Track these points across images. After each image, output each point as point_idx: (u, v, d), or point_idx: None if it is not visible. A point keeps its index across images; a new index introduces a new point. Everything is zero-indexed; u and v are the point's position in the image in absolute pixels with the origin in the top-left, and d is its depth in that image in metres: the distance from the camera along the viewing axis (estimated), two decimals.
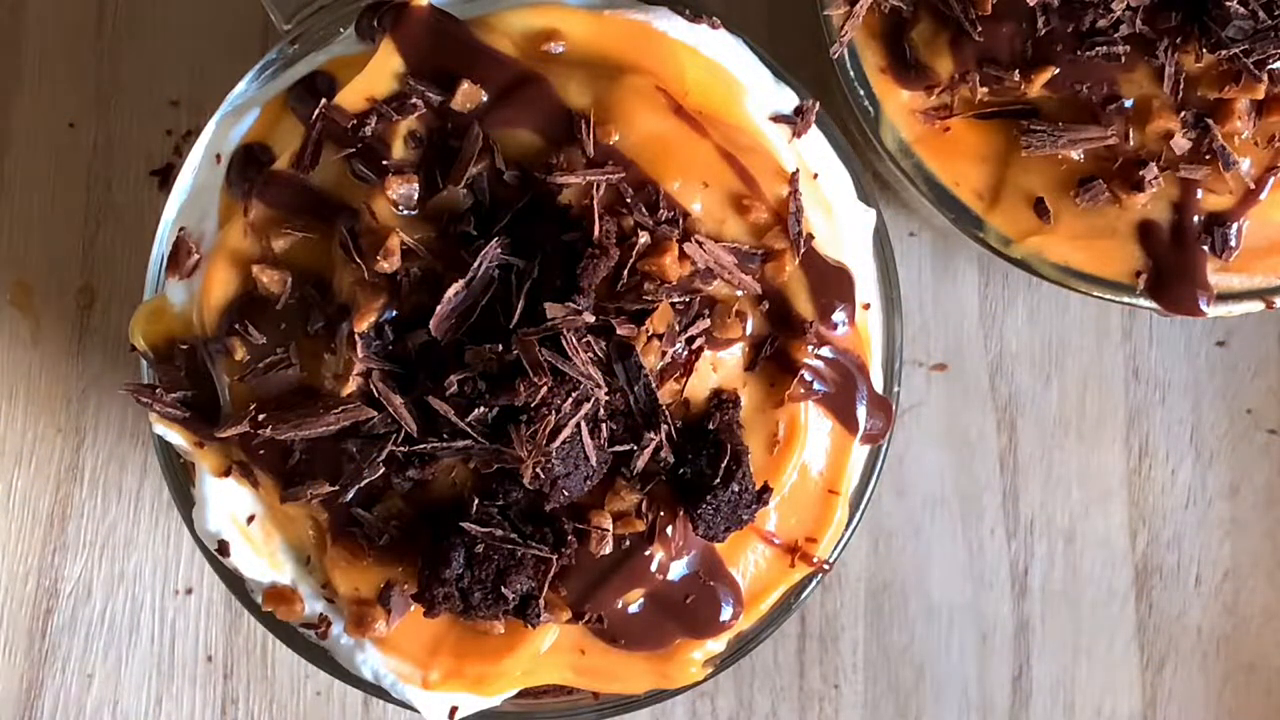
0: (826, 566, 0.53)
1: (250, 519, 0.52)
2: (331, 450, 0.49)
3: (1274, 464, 0.67)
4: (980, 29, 0.55)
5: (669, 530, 0.49)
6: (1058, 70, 0.54)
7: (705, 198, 0.50)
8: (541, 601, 0.48)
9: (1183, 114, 0.55)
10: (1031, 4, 0.54)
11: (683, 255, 0.48)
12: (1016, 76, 0.55)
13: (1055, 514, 0.67)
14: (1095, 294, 0.58)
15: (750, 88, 0.53)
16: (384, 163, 0.50)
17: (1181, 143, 0.55)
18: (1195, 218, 0.56)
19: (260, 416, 0.49)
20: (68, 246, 0.66)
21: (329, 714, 0.65)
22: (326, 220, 0.50)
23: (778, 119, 0.53)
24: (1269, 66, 0.54)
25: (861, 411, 0.52)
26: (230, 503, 0.52)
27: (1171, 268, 0.57)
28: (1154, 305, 0.57)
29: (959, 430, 0.67)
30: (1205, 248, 0.56)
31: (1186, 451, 0.67)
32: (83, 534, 0.66)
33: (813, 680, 0.66)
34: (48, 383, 0.66)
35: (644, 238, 0.48)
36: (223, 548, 0.52)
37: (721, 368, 0.50)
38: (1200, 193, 0.56)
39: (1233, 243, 0.56)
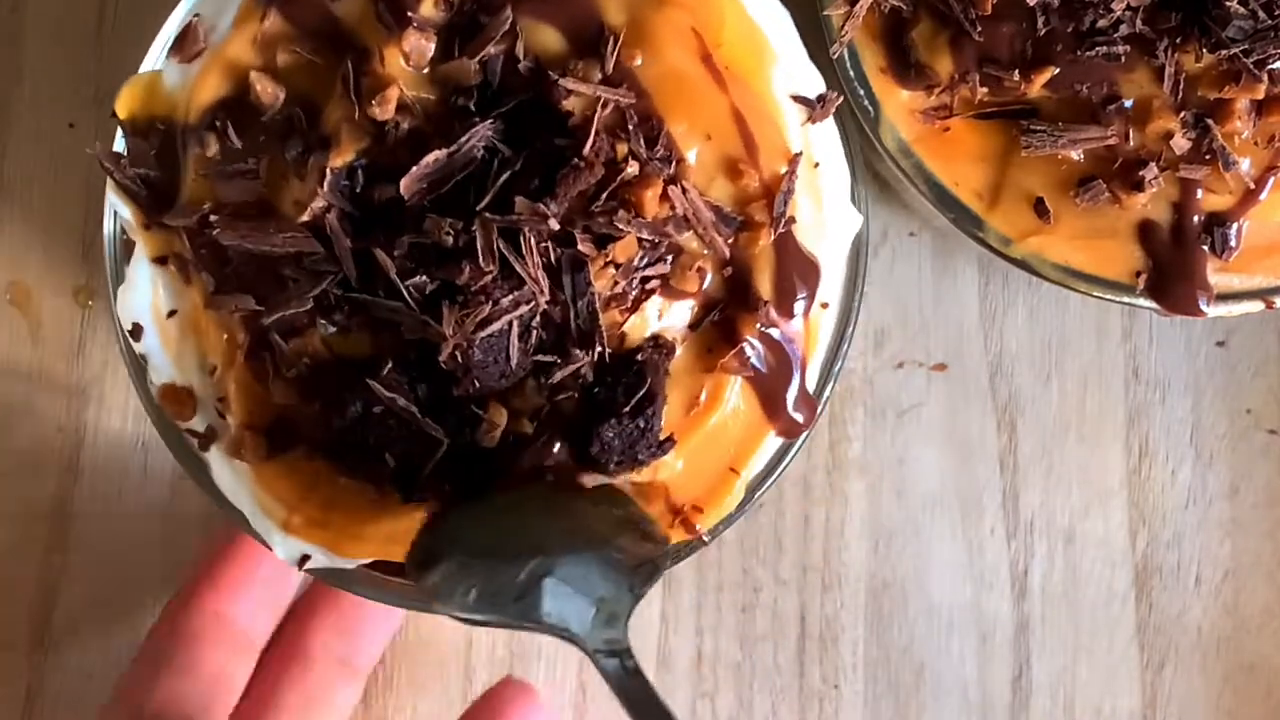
0: (705, 539, 0.53)
1: (171, 313, 0.52)
2: (269, 271, 0.50)
3: (1274, 464, 0.67)
4: (980, 29, 0.55)
5: (555, 447, 0.49)
6: (1058, 70, 0.54)
7: (703, 150, 0.50)
8: (421, 479, 0.49)
9: (1183, 114, 0.55)
10: (1031, 4, 0.54)
11: (664, 197, 0.48)
12: (1016, 76, 0.54)
13: (1055, 514, 0.67)
14: (1095, 294, 0.58)
15: (781, 60, 0.53)
16: (409, 14, 0.50)
17: (1181, 143, 0.55)
18: (1195, 218, 0.56)
19: (212, 217, 0.49)
20: (68, 246, 0.67)
21: None
22: (337, 52, 0.50)
23: (798, 99, 0.53)
24: (1269, 66, 0.54)
25: (787, 401, 0.52)
26: (157, 291, 0.52)
27: (1171, 268, 0.57)
28: (1154, 305, 0.57)
29: (959, 430, 0.67)
30: (1205, 248, 0.56)
31: (1186, 451, 0.67)
32: (83, 534, 0.65)
33: (813, 680, 0.66)
34: (48, 382, 0.66)
35: (633, 167, 0.48)
36: (135, 331, 0.52)
37: (666, 317, 0.50)
38: (1200, 193, 0.56)
39: (1233, 243, 0.56)
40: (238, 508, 0.52)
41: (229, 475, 0.52)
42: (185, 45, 0.52)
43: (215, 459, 0.52)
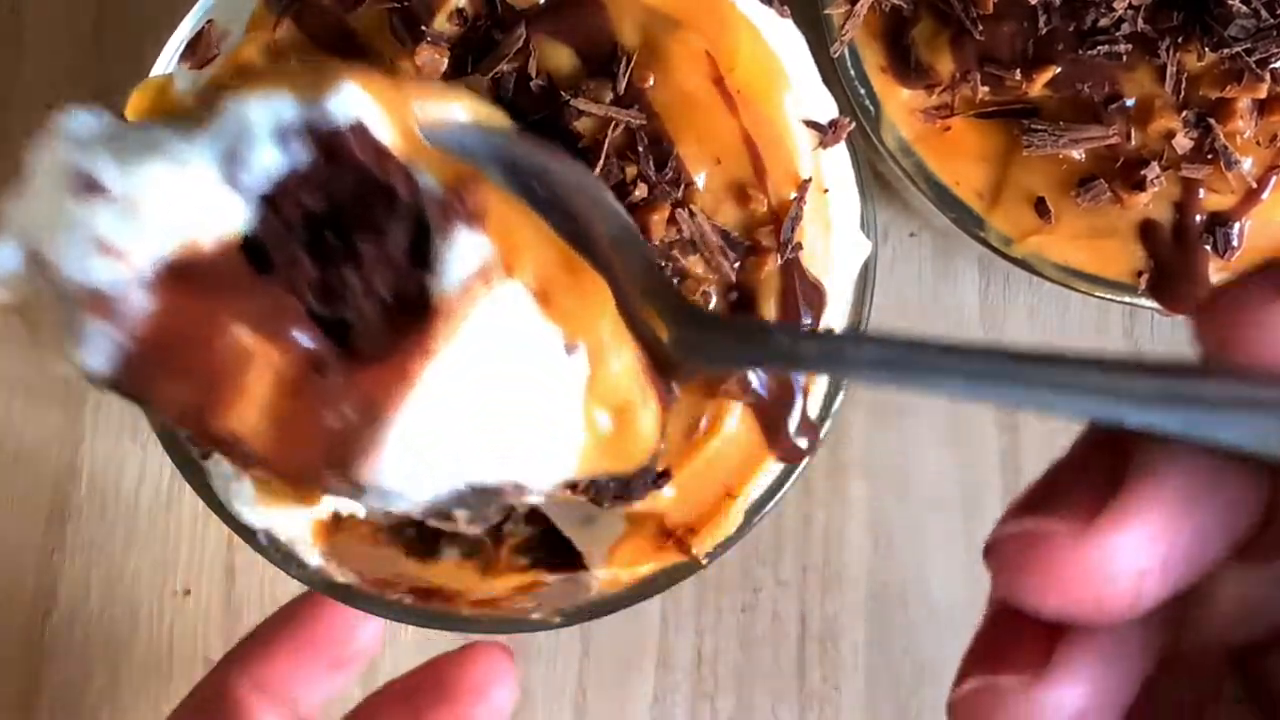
0: (703, 562, 0.53)
1: None
2: None
3: None
4: (981, 28, 0.55)
5: None
6: (1059, 69, 0.54)
7: (712, 174, 0.50)
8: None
9: (1184, 113, 0.54)
10: (1033, 3, 0.54)
11: (671, 220, 0.48)
12: (1018, 76, 0.54)
13: None
14: (1096, 294, 0.57)
15: (794, 85, 0.52)
16: (422, 28, 0.49)
17: (1183, 142, 0.54)
18: (1197, 217, 0.56)
19: None
20: None
21: (325, 716, 0.65)
22: (348, 63, 0.50)
23: (810, 124, 0.52)
24: (1271, 65, 0.53)
25: (789, 428, 0.52)
26: None
27: (1173, 267, 0.56)
28: (1155, 305, 0.57)
29: (960, 431, 0.67)
30: (1207, 247, 0.56)
31: None
32: (81, 535, 0.65)
33: (813, 682, 0.66)
34: (46, 383, 0.66)
35: (641, 190, 0.48)
36: None
37: None
38: (1202, 192, 0.56)
39: (1235, 242, 0.56)
40: (234, 515, 0.52)
41: (227, 482, 0.52)
42: (198, 50, 0.52)
43: (213, 465, 0.52)
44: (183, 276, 0.34)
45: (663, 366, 0.39)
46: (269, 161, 0.34)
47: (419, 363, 0.34)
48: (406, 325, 0.34)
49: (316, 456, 0.35)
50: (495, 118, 0.39)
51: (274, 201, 0.34)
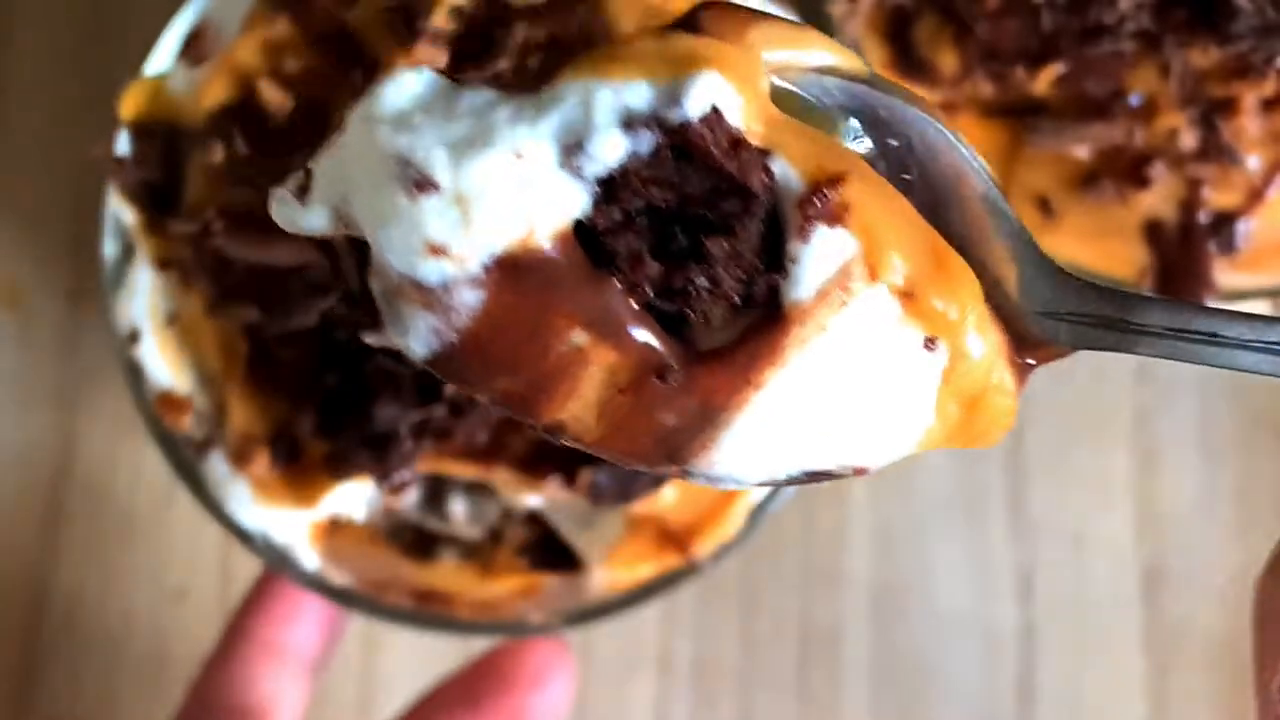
0: (696, 565, 0.52)
1: (170, 320, 0.52)
2: (275, 281, 0.49)
3: None
4: (985, 25, 0.54)
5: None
6: (1064, 67, 0.54)
7: None
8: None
9: (1190, 111, 0.54)
10: (1036, 1, 0.54)
11: None
12: (1022, 73, 0.54)
13: (1061, 516, 0.66)
14: None
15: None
16: (420, 25, 0.49)
17: (1188, 140, 0.54)
18: (1202, 215, 0.56)
19: (217, 225, 0.49)
20: (58, 247, 0.66)
21: (321, 717, 0.64)
22: (347, 61, 0.50)
23: None
24: (1277, 63, 0.53)
25: None
26: (156, 297, 0.52)
27: (1178, 266, 0.56)
28: None
29: None
30: (1212, 246, 0.56)
31: (1194, 453, 0.67)
32: (75, 537, 0.65)
33: (814, 683, 0.65)
34: (38, 385, 0.66)
35: None
36: (133, 336, 0.52)
37: None
38: (1207, 190, 0.56)
39: (1240, 241, 0.56)
40: (230, 517, 0.52)
41: (224, 484, 0.52)
42: (194, 49, 0.52)
43: (210, 467, 0.52)
44: (515, 273, 0.31)
45: (1018, 339, 0.36)
46: (613, 151, 0.31)
47: (767, 371, 0.31)
48: (755, 326, 0.32)
49: (648, 450, 0.33)
50: (853, 62, 0.36)
51: (614, 191, 0.31)
